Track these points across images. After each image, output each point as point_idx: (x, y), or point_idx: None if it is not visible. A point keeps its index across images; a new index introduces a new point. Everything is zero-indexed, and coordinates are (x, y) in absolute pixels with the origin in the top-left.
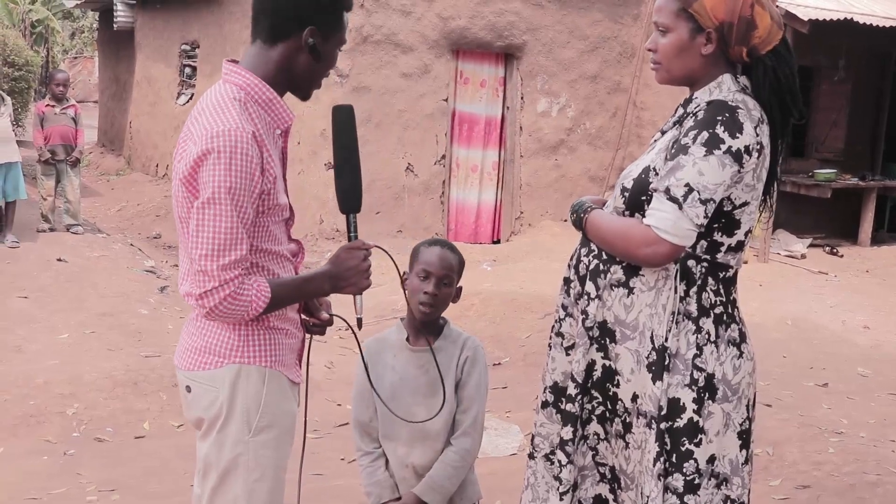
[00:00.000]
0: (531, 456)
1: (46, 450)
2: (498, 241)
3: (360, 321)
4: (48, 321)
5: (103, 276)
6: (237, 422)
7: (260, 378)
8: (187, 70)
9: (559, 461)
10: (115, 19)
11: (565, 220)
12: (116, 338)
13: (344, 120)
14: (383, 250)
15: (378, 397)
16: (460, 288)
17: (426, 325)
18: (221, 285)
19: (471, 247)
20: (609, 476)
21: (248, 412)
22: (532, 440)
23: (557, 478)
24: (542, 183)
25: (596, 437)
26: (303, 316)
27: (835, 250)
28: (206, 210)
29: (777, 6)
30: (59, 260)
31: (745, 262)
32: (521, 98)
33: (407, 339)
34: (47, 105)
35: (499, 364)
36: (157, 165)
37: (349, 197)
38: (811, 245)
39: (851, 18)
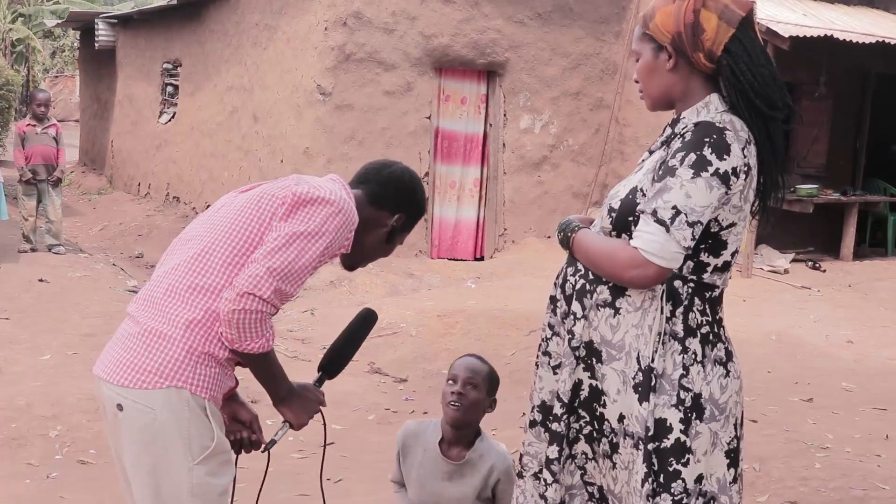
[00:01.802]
0: (520, 475)
1: (29, 473)
2: (482, 258)
3: (271, 443)
4: (30, 342)
5: (85, 296)
6: (177, 449)
7: (199, 406)
8: (169, 89)
9: (545, 480)
10: (96, 38)
11: (549, 237)
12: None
13: (368, 323)
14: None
15: None
16: (495, 400)
17: (458, 432)
18: (266, 300)
19: (454, 264)
20: (597, 495)
21: (189, 439)
22: (521, 459)
23: (543, 496)
24: (525, 199)
25: (584, 456)
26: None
27: (817, 265)
28: (301, 240)
29: (757, 22)
30: (41, 280)
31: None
32: (504, 115)
33: (440, 444)
34: (28, 125)
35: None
36: (138, 184)
37: (333, 368)
38: (794, 260)
39: (831, 35)
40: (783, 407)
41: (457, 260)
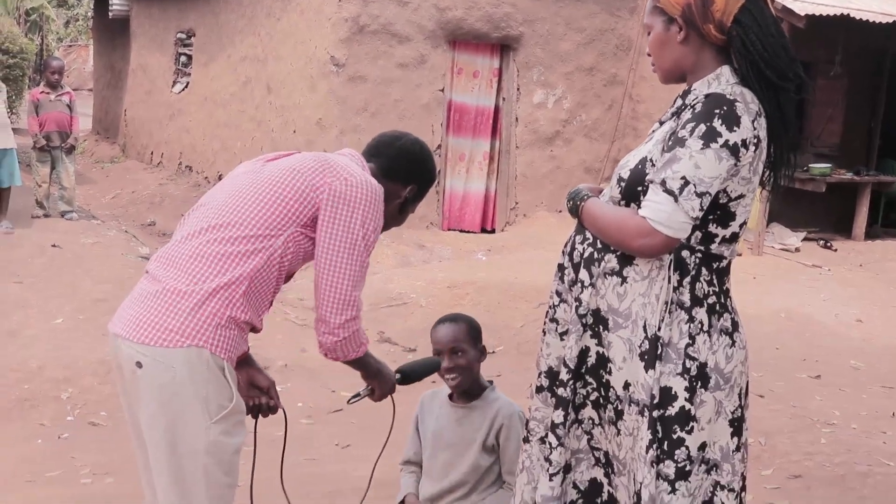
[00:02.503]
0: (526, 440)
1: (41, 433)
2: (493, 231)
3: (356, 396)
4: (43, 306)
5: (98, 262)
6: (195, 408)
7: (218, 367)
8: (183, 58)
9: (550, 443)
10: (110, 7)
11: (560, 211)
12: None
13: (435, 368)
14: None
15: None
16: (484, 347)
17: (465, 389)
18: (356, 318)
19: (465, 236)
20: (603, 460)
21: (206, 399)
22: (527, 424)
23: (548, 459)
24: (537, 174)
25: (591, 421)
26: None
27: (829, 244)
28: (356, 247)
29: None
30: (54, 246)
31: (740, 255)
32: (518, 89)
33: (450, 396)
34: (42, 92)
35: (493, 353)
36: (151, 153)
37: (406, 379)
38: (805, 239)
39: (848, 14)
40: (790, 383)
41: (464, 231)
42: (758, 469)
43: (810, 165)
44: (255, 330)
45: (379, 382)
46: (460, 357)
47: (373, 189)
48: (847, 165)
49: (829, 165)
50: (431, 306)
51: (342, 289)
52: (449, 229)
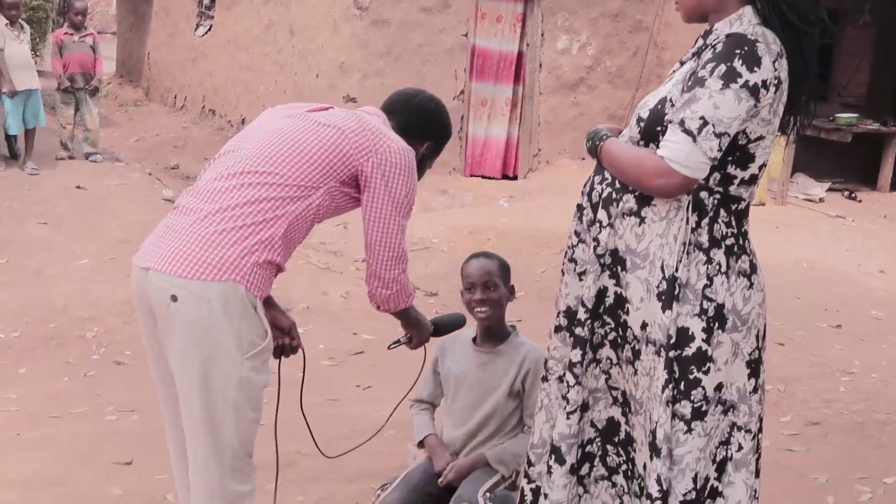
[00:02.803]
0: (545, 379)
1: (67, 371)
2: (515, 178)
3: (396, 343)
4: (67, 247)
5: (121, 203)
6: (229, 342)
7: (251, 303)
8: (206, 1)
9: (567, 382)
10: None
11: (583, 159)
12: None
13: (459, 323)
14: None
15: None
16: (513, 287)
17: (491, 330)
18: (404, 271)
19: (487, 182)
20: (621, 400)
21: (239, 335)
22: (546, 364)
23: (565, 397)
24: (560, 121)
25: (609, 361)
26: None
27: (853, 195)
28: (402, 206)
29: None
30: (78, 187)
31: (763, 204)
32: (542, 35)
33: (474, 340)
34: (66, 33)
35: (514, 286)
36: (175, 97)
37: (439, 331)
38: (830, 189)
39: None
40: (811, 332)
41: (486, 178)
42: (776, 415)
43: (836, 115)
44: (280, 272)
45: (417, 331)
46: (492, 291)
47: (412, 154)
48: (874, 116)
49: (855, 115)
50: (453, 251)
51: (394, 246)
52: (471, 175)
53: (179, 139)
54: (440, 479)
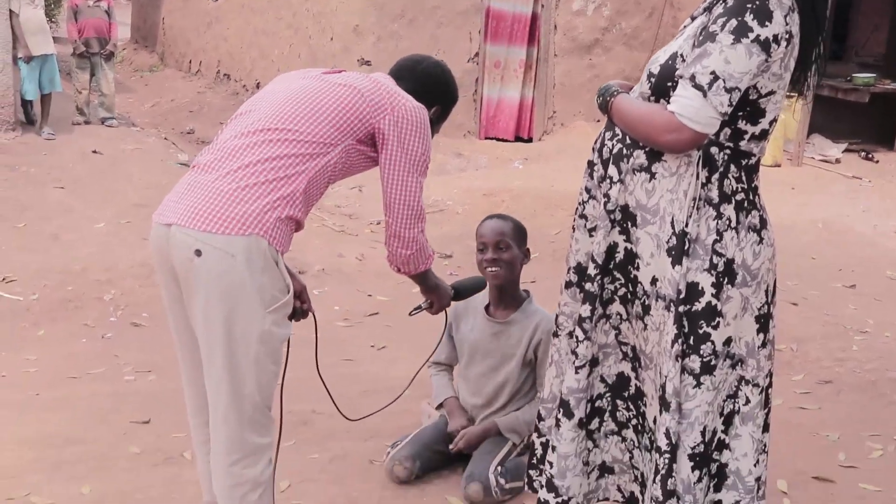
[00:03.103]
0: (555, 335)
1: (85, 333)
2: (530, 140)
3: (417, 309)
4: (84, 211)
5: (137, 168)
6: (252, 296)
7: (274, 258)
8: None
9: (577, 337)
10: None
11: (598, 121)
12: (150, 227)
13: (480, 286)
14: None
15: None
16: (528, 250)
17: (504, 293)
18: (422, 230)
19: (502, 145)
20: (631, 355)
21: (262, 289)
22: (556, 319)
23: (574, 352)
24: (575, 82)
25: (619, 316)
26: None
27: (870, 156)
28: (418, 166)
29: None
30: (94, 152)
31: (779, 165)
32: None
33: (487, 308)
34: None
35: (529, 249)
36: (189, 62)
37: (459, 294)
38: (846, 150)
39: None
40: (825, 292)
41: (500, 140)
42: (788, 374)
43: (854, 75)
44: (298, 229)
45: (438, 296)
46: (504, 252)
47: (425, 113)
48: (892, 76)
49: (873, 75)
50: (467, 213)
51: (413, 203)
52: (486, 138)
53: (194, 104)
54: (451, 446)
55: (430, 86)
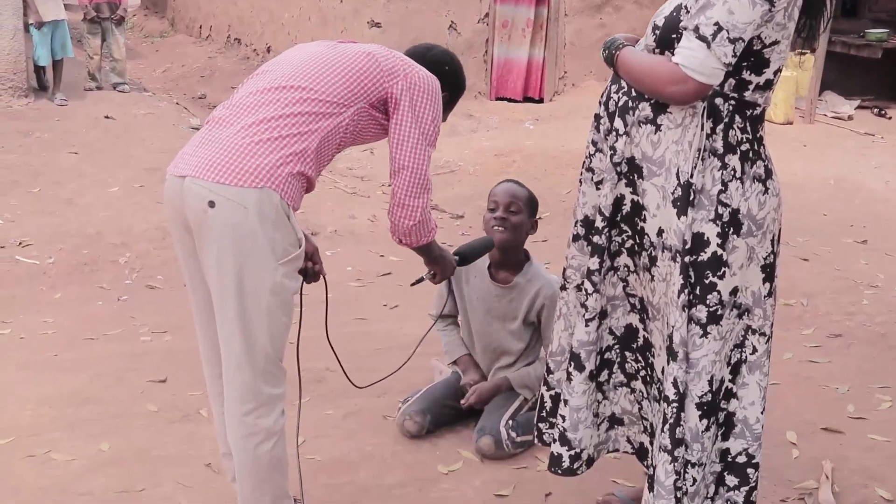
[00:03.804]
0: (563, 287)
1: (101, 296)
2: (541, 101)
3: (420, 280)
4: (98, 176)
5: (150, 132)
6: (264, 248)
7: (284, 211)
8: None
9: (586, 290)
10: None
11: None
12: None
13: (489, 246)
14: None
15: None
16: (536, 221)
17: (506, 256)
18: (428, 199)
19: (513, 105)
20: (639, 307)
21: (273, 241)
22: (564, 273)
23: (584, 305)
24: (586, 42)
25: (626, 269)
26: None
27: (883, 112)
28: (428, 134)
29: None
30: (107, 117)
31: (791, 123)
32: None
33: (489, 268)
34: None
35: (539, 219)
36: (200, 27)
37: (464, 260)
38: (859, 107)
39: None
40: (836, 248)
41: (511, 101)
42: (798, 329)
43: (866, 31)
44: (308, 189)
45: (441, 267)
46: (513, 214)
47: (437, 83)
48: None
49: (885, 31)
50: (479, 174)
51: (420, 171)
52: (496, 99)
53: (206, 69)
54: (462, 402)
55: (441, 73)
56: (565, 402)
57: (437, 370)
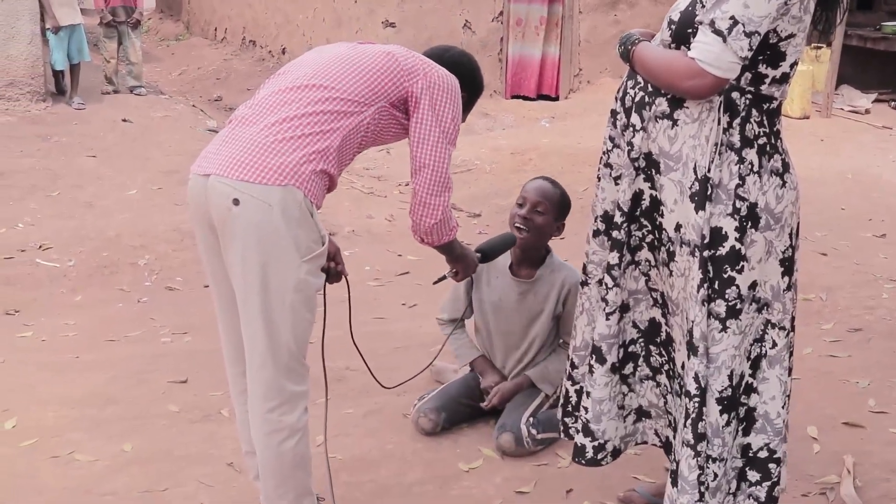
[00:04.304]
0: (584, 283)
1: (121, 298)
2: (556, 98)
3: (442, 278)
4: (116, 178)
5: (167, 135)
6: (288, 245)
7: (308, 210)
8: None
9: (606, 284)
10: None
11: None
12: (182, 193)
13: (510, 243)
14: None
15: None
16: (563, 225)
17: (527, 254)
18: (449, 198)
19: (528, 104)
20: (660, 301)
21: (297, 238)
22: (585, 268)
23: (604, 299)
24: (600, 39)
25: (647, 263)
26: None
27: None
28: (447, 133)
29: None
30: (124, 120)
31: (807, 117)
32: None
33: (510, 266)
34: None
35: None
36: (215, 29)
37: (486, 256)
38: (876, 100)
39: None
40: (855, 242)
41: (526, 99)
42: (818, 323)
43: (883, 24)
44: (330, 188)
45: (463, 265)
46: (538, 215)
47: (457, 82)
48: None
49: None
50: (496, 172)
51: (441, 170)
52: (512, 97)
53: (221, 71)
54: (484, 403)
55: (458, 73)
56: (588, 393)
57: (449, 370)
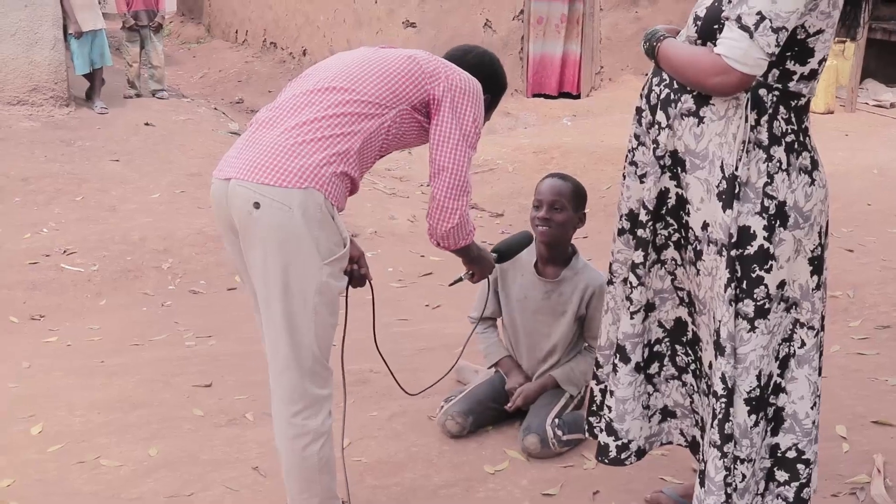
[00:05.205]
0: (609, 282)
1: (145, 301)
2: (578, 96)
3: (458, 280)
4: (140, 182)
5: (190, 138)
6: (309, 248)
7: (329, 212)
8: None
9: (630, 283)
10: None
11: (646, 74)
12: (205, 196)
13: (528, 241)
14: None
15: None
16: (584, 214)
17: (552, 252)
18: (468, 203)
19: (550, 102)
20: (687, 300)
21: (318, 241)
22: (610, 267)
23: (629, 298)
24: (622, 37)
25: (673, 262)
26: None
27: None
28: (469, 137)
29: None
30: (147, 124)
31: (832, 112)
32: None
33: (535, 265)
34: None
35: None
36: (236, 32)
37: (503, 256)
38: None
39: None
40: (881, 237)
41: (548, 97)
42: (845, 321)
43: None
44: (353, 191)
45: (480, 268)
46: (557, 212)
47: (479, 85)
48: None
49: None
50: (518, 171)
51: (460, 173)
52: (533, 95)
53: (242, 74)
54: (508, 405)
55: (482, 75)
56: (611, 393)
57: (472, 370)
